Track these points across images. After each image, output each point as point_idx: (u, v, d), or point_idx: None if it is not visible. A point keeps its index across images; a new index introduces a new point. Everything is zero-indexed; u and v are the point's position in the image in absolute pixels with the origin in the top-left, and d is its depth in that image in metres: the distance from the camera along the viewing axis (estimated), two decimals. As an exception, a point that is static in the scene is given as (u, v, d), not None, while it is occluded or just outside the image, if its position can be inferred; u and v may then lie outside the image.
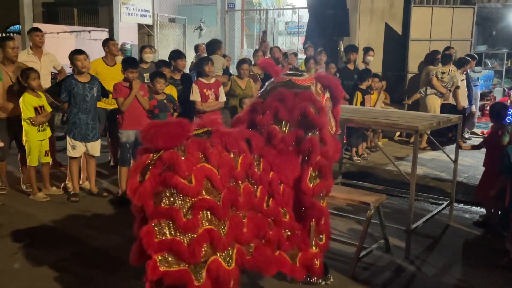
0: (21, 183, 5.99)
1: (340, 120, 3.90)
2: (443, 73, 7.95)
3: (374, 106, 8.01)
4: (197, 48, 9.87)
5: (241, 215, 2.97)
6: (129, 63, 5.75)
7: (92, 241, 4.50)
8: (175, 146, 2.77)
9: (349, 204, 4.24)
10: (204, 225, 2.75)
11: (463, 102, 8.57)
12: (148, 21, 11.62)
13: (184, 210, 2.71)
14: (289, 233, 3.32)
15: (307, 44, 8.94)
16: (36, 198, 5.57)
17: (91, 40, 15.91)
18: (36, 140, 5.43)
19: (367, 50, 8.42)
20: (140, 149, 2.91)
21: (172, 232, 2.71)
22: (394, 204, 5.94)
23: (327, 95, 3.53)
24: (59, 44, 15.19)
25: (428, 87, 8.08)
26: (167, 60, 6.86)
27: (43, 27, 15.55)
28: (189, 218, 2.70)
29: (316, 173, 3.31)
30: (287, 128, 3.38)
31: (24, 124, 5.38)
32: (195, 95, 6.29)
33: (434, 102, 8.07)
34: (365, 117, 4.68)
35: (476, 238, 5.02)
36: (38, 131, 5.44)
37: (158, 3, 12.29)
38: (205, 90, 6.35)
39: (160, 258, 2.69)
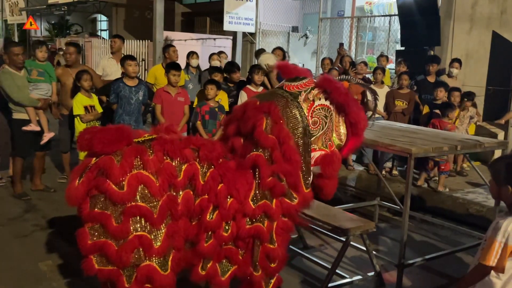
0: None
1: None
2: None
3: (454, 123, 7.17)
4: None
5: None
6: (172, 66, 6.03)
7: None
8: (112, 152, 2.82)
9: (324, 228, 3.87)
10: (137, 230, 2.78)
11: None
12: (250, 29, 11.93)
13: (116, 215, 2.76)
14: (224, 246, 3.10)
15: (379, 55, 8.34)
16: (84, 189, 6.13)
17: (216, 47, 16.90)
18: (84, 137, 5.98)
19: (452, 61, 7.55)
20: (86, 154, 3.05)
21: (105, 236, 2.79)
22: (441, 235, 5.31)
23: (319, 102, 3.19)
24: (186, 50, 16.47)
25: (518, 103, 7.00)
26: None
27: (173, 34, 17.04)
28: (119, 224, 2.76)
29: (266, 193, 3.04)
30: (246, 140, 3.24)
31: (75, 120, 5.96)
32: (242, 102, 6.33)
33: (528, 120, 6.96)
34: (370, 135, 4.24)
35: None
36: (87, 128, 5.98)
37: (263, 11, 12.53)
38: (251, 98, 6.36)
39: (96, 256, 2.80)
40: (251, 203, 2.98)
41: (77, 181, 2.81)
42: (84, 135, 2.90)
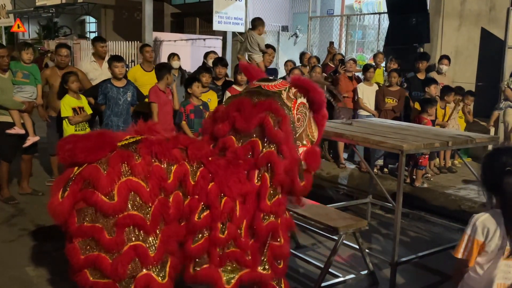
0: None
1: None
2: (514, 83, 6.86)
3: (447, 121, 7.18)
4: (302, 56, 8.80)
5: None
6: (160, 68, 5.97)
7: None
8: (96, 160, 2.69)
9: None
10: (131, 241, 2.66)
11: None
12: (240, 29, 11.88)
13: (108, 227, 2.63)
14: (226, 250, 2.98)
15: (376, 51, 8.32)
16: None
17: (206, 48, 16.82)
18: (72, 139, 5.88)
19: (441, 58, 7.55)
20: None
21: (97, 249, 2.65)
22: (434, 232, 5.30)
23: (300, 100, 3.20)
24: (175, 51, 16.36)
25: (503, 101, 6.98)
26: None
27: (163, 35, 16.92)
28: (113, 236, 2.63)
29: (277, 190, 3.01)
30: (244, 139, 3.14)
31: (63, 122, 5.86)
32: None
33: (513, 117, 6.98)
34: (361, 132, 4.21)
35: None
36: (76, 130, 5.83)
37: (252, 11, 12.49)
38: (238, 97, 6.31)
39: (90, 269, 2.67)
40: (267, 201, 2.93)
41: (60, 195, 2.65)
42: (64, 145, 2.74)
